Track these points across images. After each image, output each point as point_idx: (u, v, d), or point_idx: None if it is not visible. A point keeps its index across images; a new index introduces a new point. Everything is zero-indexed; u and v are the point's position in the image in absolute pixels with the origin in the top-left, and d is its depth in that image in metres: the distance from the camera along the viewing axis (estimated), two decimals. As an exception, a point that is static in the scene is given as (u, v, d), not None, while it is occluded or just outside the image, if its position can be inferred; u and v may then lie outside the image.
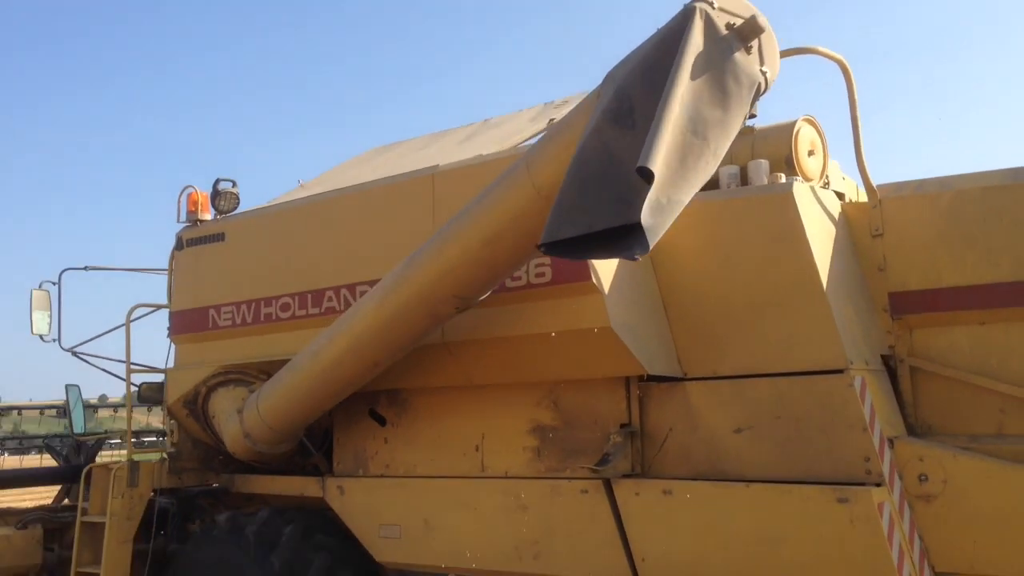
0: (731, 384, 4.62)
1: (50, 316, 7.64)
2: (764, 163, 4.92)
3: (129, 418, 7.22)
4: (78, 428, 8.65)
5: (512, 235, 4.16)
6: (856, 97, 4.73)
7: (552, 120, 5.80)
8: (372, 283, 5.29)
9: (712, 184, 5.01)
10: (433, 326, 4.99)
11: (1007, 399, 4.30)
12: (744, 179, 5.00)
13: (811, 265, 4.42)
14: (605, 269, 4.62)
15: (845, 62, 4.74)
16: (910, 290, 4.59)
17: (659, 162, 3.03)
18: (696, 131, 3.22)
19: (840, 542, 4.15)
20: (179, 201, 6.69)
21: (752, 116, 3.63)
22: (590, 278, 4.54)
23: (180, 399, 6.58)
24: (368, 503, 5.92)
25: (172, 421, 6.87)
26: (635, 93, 3.38)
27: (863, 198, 5.08)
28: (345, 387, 5.54)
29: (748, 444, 4.50)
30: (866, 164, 4.70)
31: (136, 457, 6.76)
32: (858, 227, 4.76)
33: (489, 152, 5.60)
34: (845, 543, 4.14)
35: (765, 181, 4.82)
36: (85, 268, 7.98)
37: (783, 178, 4.81)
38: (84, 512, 6.72)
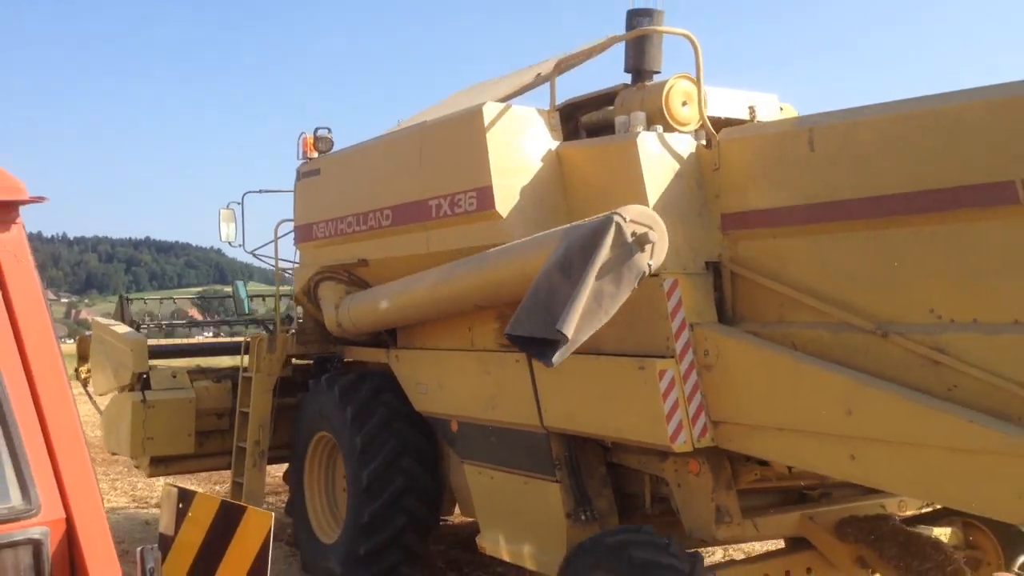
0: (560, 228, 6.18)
1: (235, 228, 10.37)
2: (642, 114, 6.33)
3: (277, 302, 9.86)
4: (244, 310, 11.53)
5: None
6: (701, 62, 6.08)
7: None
8: (399, 207, 7.35)
9: (610, 130, 6.57)
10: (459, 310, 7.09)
11: (784, 297, 5.63)
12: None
13: (642, 194, 5.90)
14: (509, 199, 6.36)
15: (691, 35, 6.08)
16: (733, 212, 5.94)
17: (572, 329, 5.07)
18: (598, 302, 5.19)
19: (641, 397, 5.75)
20: (297, 143, 9.02)
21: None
22: (494, 207, 6.31)
23: (301, 289, 9.03)
24: (412, 368, 8.07)
25: (299, 307, 9.39)
26: (574, 256, 5.28)
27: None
28: (401, 321, 7.87)
29: (606, 328, 6.11)
30: (705, 114, 6.07)
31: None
32: (704, 164, 6.12)
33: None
34: (643, 398, 5.74)
35: (639, 130, 6.26)
36: (260, 191, 10.65)
37: (660, 128, 6.25)
38: (245, 370, 9.44)
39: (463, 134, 6.65)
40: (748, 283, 5.87)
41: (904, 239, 4.97)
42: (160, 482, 10.88)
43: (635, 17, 6.69)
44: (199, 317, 18.40)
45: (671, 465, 6.12)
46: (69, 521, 2.39)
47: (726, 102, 6.88)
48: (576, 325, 5.10)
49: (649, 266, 5.33)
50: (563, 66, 6.98)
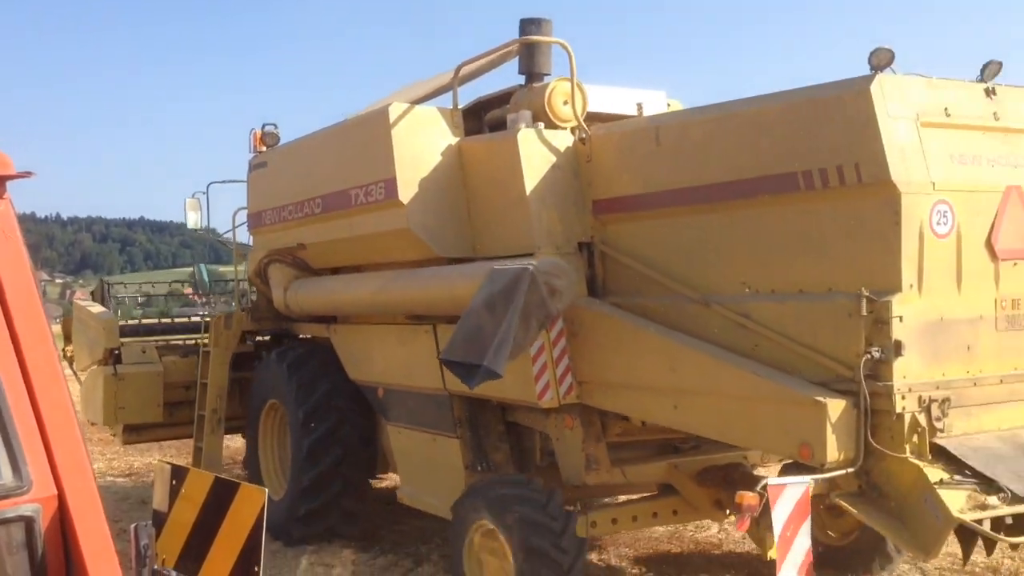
0: (484, 262, 7.05)
1: (200, 215, 11.27)
2: (528, 113, 7.13)
3: (237, 285, 10.77)
4: (206, 290, 12.51)
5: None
6: (575, 67, 6.91)
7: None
8: (327, 196, 8.20)
9: (504, 126, 7.39)
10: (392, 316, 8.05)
11: (639, 273, 6.47)
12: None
13: (521, 184, 6.72)
14: (411, 189, 7.19)
15: (565, 44, 6.92)
16: (602, 199, 6.76)
17: (499, 366, 5.87)
18: (516, 341, 5.94)
19: (517, 362, 6.54)
20: (248, 138, 9.88)
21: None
22: (398, 196, 7.15)
23: (254, 271, 9.91)
24: (347, 341, 8.94)
25: (252, 287, 10.29)
26: (497, 299, 6.05)
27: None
28: (339, 313, 8.85)
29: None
30: (582, 112, 6.90)
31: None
32: (580, 156, 6.93)
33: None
34: (518, 362, 6.51)
35: (521, 126, 7.06)
36: (223, 181, 11.53)
37: (541, 125, 7.06)
38: (206, 345, 10.35)
39: (373, 131, 7.48)
40: (614, 261, 6.71)
41: (721, 222, 5.82)
42: (156, 460, 11.74)
43: (525, 25, 7.50)
44: (195, 297, 19.37)
45: (552, 421, 6.98)
46: (61, 498, 2.39)
47: (616, 100, 7.68)
48: (501, 361, 5.98)
49: (558, 309, 6.23)
50: (462, 71, 7.81)
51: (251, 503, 2.85)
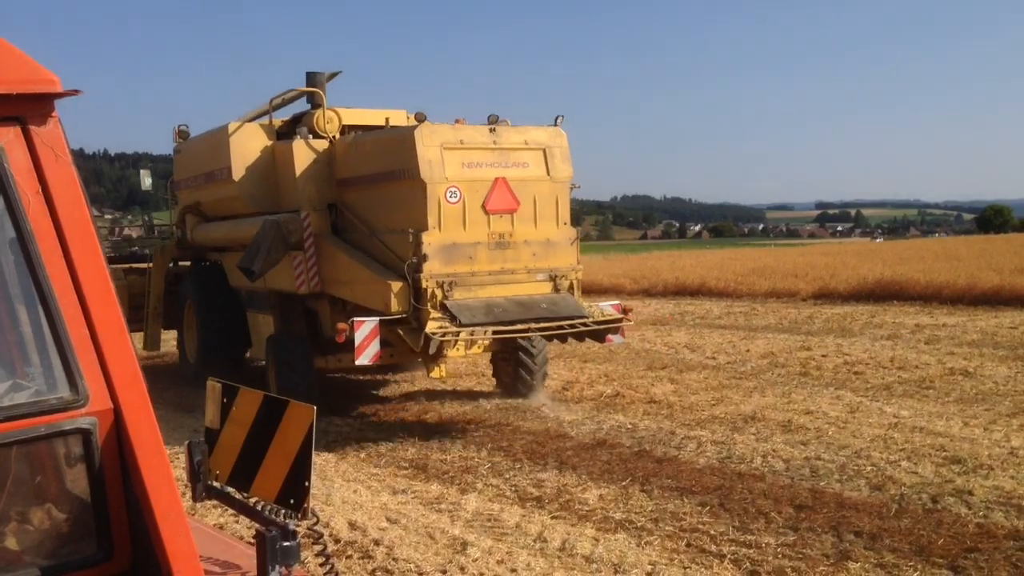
0: (266, 216, 12.46)
1: (151, 180, 16.70)
2: (304, 128, 12.47)
3: (172, 229, 16.32)
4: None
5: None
6: (325, 103, 12.23)
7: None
8: (205, 173, 13.61)
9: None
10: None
11: (352, 220, 11.83)
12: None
13: (292, 172, 12.04)
14: (240, 172, 12.57)
15: (318, 91, 12.24)
16: (340, 178, 12.09)
17: (257, 267, 11.38)
18: (269, 258, 11.65)
19: (288, 268, 12.06)
20: (172, 132, 15.26)
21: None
22: (231, 177, 12.54)
23: (177, 219, 15.42)
24: (227, 261, 14.41)
25: (177, 229, 15.81)
26: (265, 233, 12.04)
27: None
28: (212, 245, 14.26)
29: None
30: (334, 128, 12.23)
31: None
32: (330, 154, 12.21)
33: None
34: (289, 268, 12.06)
35: (298, 136, 12.30)
36: (167, 155, 16.97)
37: (310, 135, 12.37)
38: (149, 267, 15.88)
39: (220, 137, 12.90)
40: (343, 215, 12.08)
41: (373, 194, 11.21)
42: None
43: (309, 76, 12.88)
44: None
45: (319, 303, 12.40)
46: (117, 411, 2.38)
47: (370, 117, 13.00)
48: (260, 266, 11.33)
49: (292, 242, 11.50)
50: (273, 102, 13.14)
51: (300, 419, 2.84)
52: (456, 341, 10.21)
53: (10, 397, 2.49)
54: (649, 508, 7.84)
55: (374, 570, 6.52)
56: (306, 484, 2.76)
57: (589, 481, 8.70)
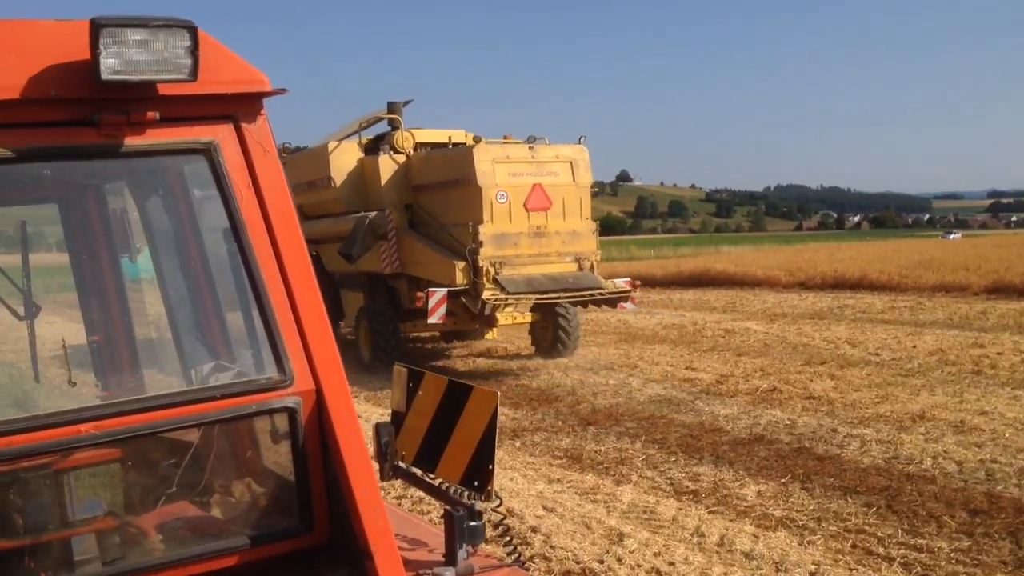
0: (360, 214, 15.97)
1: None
2: (387, 145, 14.90)
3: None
4: None
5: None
6: (403, 124, 15.61)
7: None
8: (299, 184, 17.17)
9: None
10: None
11: (430, 217, 15.30)
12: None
13: (379, 179, 14.98)
14: (339, 179, 15.45)
15: (397, 117, 15.58)
16: (415, 184, 14.17)
17: (355, 255, 13.82)
18: (362, 246, 14.37)
19: (377, 252, 15.55)
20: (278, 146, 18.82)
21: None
22: (331, 184, 15.88)
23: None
24: (324, 253, 17.76)
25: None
26: (360, 228, 13.96)
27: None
28: (316, 239, 17.81)
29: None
30: (410, 146, 15.73)
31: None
32: (407, 166, 15.08)
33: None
34: (379, 252, 15.55)
35: (383, 152, 15.06)
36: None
37: (392, 152, 15.61)
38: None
39: (322, 152, 15.80)
40: (419, 213, 14.75)
41: (439, 198, 14.29)
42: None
43: (390, 104, 15.63)
44: None
45: (399, 282, 15.75)
46: (319, 392, 2.49)
47: (436, 136, 15.65)
48: (357, 252, 13.78)
49: (383, 233, 13.75)
50: (362, 123, 16.04)
51: (484, 404, 2.88)
52: (505, 304, 13.62)
53: (215, 377, 2.63)
54: (811, 507, 7.29)
55: (532, 556, 6.28)
56: (490, 467, 2.80)
57: (747, 477, 8.19)
